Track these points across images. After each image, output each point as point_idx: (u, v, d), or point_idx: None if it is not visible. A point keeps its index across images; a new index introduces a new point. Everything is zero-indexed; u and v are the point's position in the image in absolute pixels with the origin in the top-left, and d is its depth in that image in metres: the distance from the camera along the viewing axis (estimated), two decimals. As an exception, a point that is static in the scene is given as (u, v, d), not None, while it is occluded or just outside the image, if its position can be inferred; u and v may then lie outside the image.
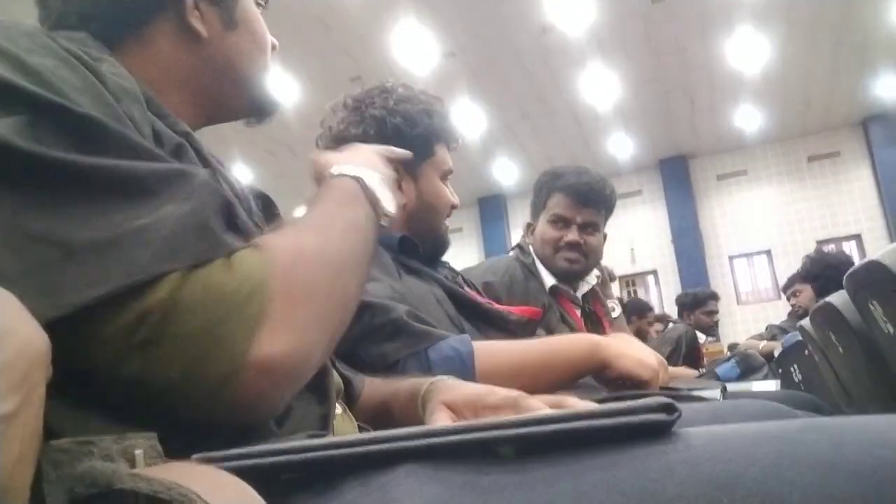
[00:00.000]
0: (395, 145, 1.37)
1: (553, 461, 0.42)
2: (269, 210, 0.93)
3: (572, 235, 1.96)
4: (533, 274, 1.96)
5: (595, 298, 2.12)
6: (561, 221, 1.98)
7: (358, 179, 0.78)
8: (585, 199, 1.97)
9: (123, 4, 0.75)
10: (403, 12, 7.72)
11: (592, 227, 1.99)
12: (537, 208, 2.06)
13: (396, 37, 8.10)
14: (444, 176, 1.42)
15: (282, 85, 8.17)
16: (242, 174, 9.74)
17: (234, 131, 8.91)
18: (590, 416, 0.42)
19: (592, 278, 2.09)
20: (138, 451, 0.40)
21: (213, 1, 0.81)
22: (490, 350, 1.14)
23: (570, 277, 2.00)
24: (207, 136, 0.89)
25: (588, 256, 1.99)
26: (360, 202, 0.76)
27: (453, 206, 1.43)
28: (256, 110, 0.92)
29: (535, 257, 2.00)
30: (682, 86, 10.08)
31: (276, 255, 0.57)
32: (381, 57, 8.17)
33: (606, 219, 2.06)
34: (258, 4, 0.89)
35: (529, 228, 2.10)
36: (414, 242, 1.33)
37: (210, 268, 0.52)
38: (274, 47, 0.92)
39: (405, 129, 1.35)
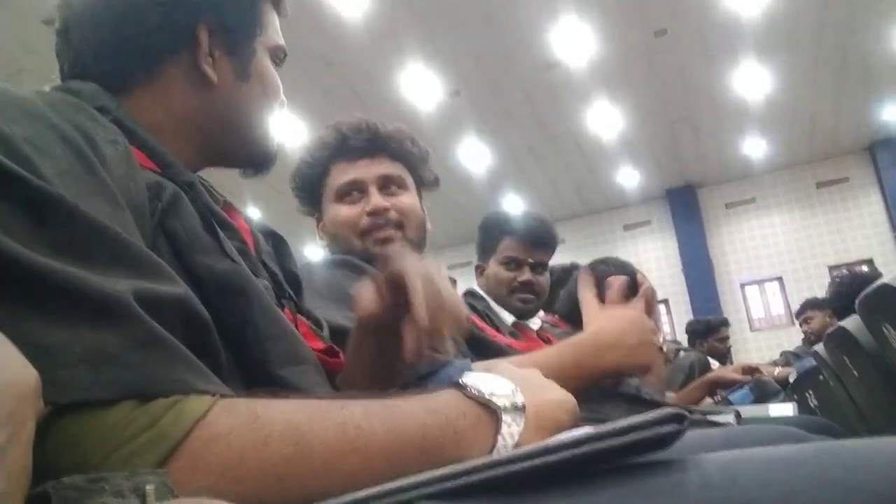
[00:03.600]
0: (301, 196, 1.43)
1: (569, 491, 0.42)
2: (279, 248, 0.94)
3: (526, 275, 1.99)
4: (489, 316, 1.95)
5: (547, 333, 2.13)
6: (513, 263, 2.01)
7: (497, 417, 0.60)
8: (537, 241, 2.02)
9: (139, 45, 0.76)
10: (409, 51, 7.83)
11: (542, 267, 2.04)
12: (487, 251, 2.09)
13: (402, 75, 8.20)
14: (344, 193, 1.37)
15: (287, 124, 8.27)
16: (252, 213, 9.79)
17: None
18: (601, 437, 0.42)
19: (537, 320, 2.12)
20: (149, 487, 0.39)
21: (228, 51, 0.82)
22: None
23: (524, 316, 2.02)
24: (220, 177, 0.90)
25: (539, 296, 2.03)
26: (454, 438, 0.57)
27: (370, 213, 1.34)
28: (254, 163, 0.91)
29: (488, 300, 2.01)
30: (687, 116, 10.13)
31: (225, 419, 0.49)
32: (387, 95, 8.26)
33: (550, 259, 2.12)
34: (274, 61, 0.89)
35: (479, 270, 2.13)
36: None
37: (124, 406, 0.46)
38: (281, 105, 0.92)
39: (298, 179, 1.43)
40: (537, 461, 0.42)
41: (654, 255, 12.65)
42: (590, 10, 7.53)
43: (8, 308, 0.45)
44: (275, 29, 0.89)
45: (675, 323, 12.23)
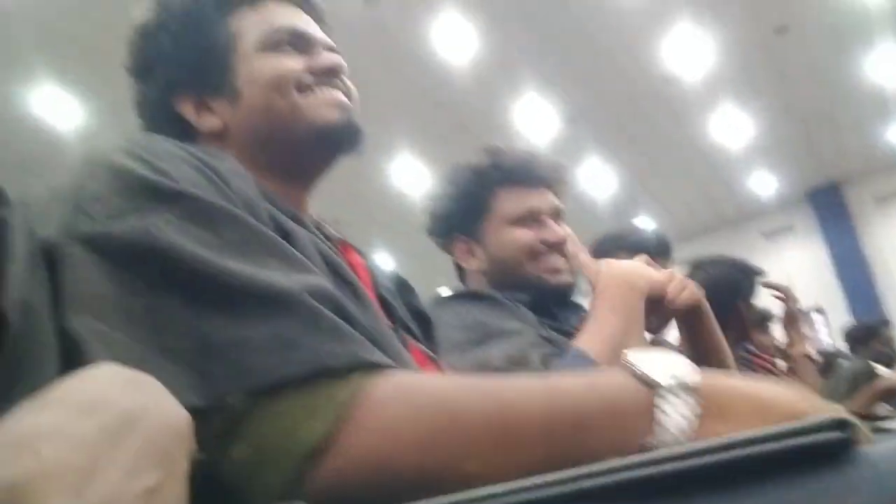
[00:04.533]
0: (450, 221, 1.44)
1: (721, 497, 0.40)
2: (402, 288, 0.97)
3: None
4: None
5: None
6: None
7: (655, 400, 0.53)
8: (663, 250, 2.09)
9: (163, 129, 0.83)
10: (519, 85, 7.86)
11: None
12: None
13: (515, 108, 8.24)
14: (521, 219, 1.38)
15: (407, 170, 8.54)
16: (384, 259, 10.10)
17: (374, 222, 9.34)
18: (749, 442, 0.40)
19: None
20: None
21: (214, 92, 0.84)
22: None
23: (659, 330, 2.00)
24: (350, 231, 0.93)
25: None
26: (615, 425, 0.53)
27: (550, 244, 1.37)
28: (328, 144, 0.87)
29: None
30: (822, 111, 9.52)
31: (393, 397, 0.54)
32: (502, 130, 8.31)
33: None
34: (279, 45, 0.86)
35: None
36: (540, 302, 1.33)
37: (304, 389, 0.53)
38: (337, 71, 0.87)
39: (452, 204, 1.43)
40: (672, 466, 0.40)
41: (802, 263, 11.84)
42: (702, 16, 7.30)
43: (198, 309, 0.54)
44: (257, 22, 0.87)
45: (834, 332, 11.38)
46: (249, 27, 0.86)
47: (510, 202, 1.40)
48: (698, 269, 2.48)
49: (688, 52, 7.76)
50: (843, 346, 5.28)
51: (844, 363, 4.19)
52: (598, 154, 9.54)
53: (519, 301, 1.33)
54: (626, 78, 8.12)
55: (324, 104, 0.84)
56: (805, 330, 2.55)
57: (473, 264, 1.44)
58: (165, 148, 0.66)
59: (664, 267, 1.94)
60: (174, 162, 0.63)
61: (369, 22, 6.14)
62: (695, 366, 0.56)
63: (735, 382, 0.56)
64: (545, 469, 0.45)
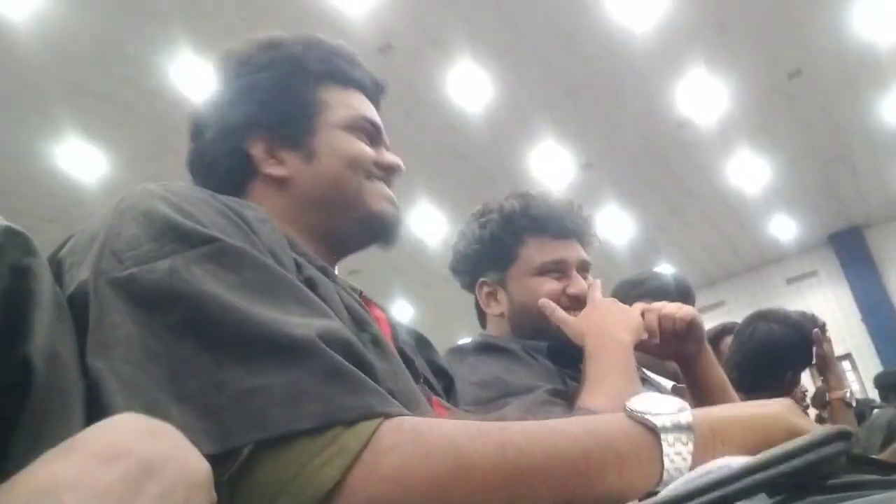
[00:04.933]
0: (475, 263, 1.44)
1: None
2: (422, 344, 0.98)
3: None
4: (653, 386, 1.88)
5: None
6: None
7: (658, 436, 0.57)
8: (684, 295, 2.12)
9: (217, 173, 0.88)
10: (536, 133, 7.94)
11: None
12: None
13: (533, 157, 8.31)
14: (547, 269, 1.37)
15: (427, 219, 8.59)
16: (404, 309, 10.11)
17: (392, 271, 9.39)
18: (766, 466, 0.40)
19: None
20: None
21: (289, 144, 0.89)
22: None
23: (679, 378, 1.97)
24: (370, 280, 0.95)
25: None
26: (625, 465, 0.56)
27: (573, 297, 1.36)
28: (372, 232, 0.94)
29: (643, 370, 1.93)
30: (841, 154, 9.52)
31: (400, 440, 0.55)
32: (521, 179, 8.36)
33: None
34: (357, 132, 0.93)
35: None
36: (560, 350, 1.32)
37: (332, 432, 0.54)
38: (394, 168, 0.95)
39: (478, 247, 1.41)
40: (703, 499, 0.40)
41: (828, 308, 11.68)
42: (716, 62, 7.37)
43: (216, 355, 0.54)
44: (345, 103, 0.94)
45: (863, 379, 11.16)
46: (338, 103, 0.93)
47: (538, 251, 1.38)
48: (762, 320, 2.38)
49: (702, 97, 7.81)
50: (873, 393, 5.18)
51: (877, 412, 4.11)
52: (615, 200, 9.56)
53: (539, 350, 1.32)
54: (642, 124, 8.19)
55: (379, 196, 0.93)
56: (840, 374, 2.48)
57: (496, 309, 1.43)
58: (193, 193, 0.68)
59: None
60: (202, 207, 0.65)
61: (384, 71, 6.22)
62: (686, 403, 0.60)
63: (728, 410, 0.62)
64: None
